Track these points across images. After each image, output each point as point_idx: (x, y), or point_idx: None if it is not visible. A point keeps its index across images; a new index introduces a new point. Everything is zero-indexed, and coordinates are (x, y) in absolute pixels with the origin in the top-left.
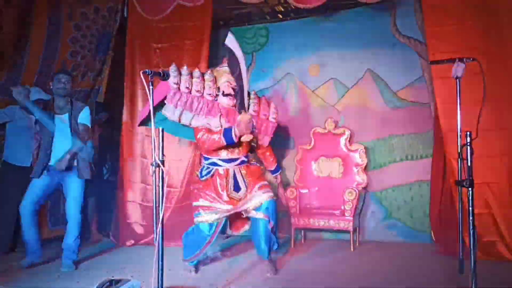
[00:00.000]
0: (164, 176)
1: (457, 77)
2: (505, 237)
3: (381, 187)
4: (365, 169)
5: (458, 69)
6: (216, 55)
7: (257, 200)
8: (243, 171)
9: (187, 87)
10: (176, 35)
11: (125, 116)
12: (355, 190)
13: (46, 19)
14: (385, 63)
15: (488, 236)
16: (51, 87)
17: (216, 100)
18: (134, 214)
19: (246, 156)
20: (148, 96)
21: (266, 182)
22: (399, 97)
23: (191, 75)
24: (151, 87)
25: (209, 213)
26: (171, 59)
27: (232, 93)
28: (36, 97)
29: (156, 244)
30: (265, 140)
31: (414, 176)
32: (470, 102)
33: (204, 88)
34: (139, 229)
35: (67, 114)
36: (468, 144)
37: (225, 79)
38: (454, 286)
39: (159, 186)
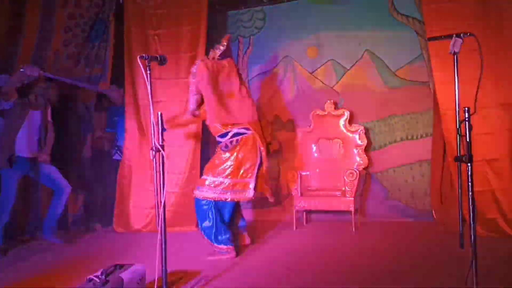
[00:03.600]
0: (165, 160)
1: (454, 53)
2: (505, 213)
3: (382, 168)
4: (366, 150)
5: (455, 44)
6: (213, 39)
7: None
8: None
9: None
10: (173, 21)
11: (126, 103)
12: (355, 171)
13: (40, 8)
14: (383, 43)
15: (490, 213)
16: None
17: None
18: (137, 200)
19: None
20: (146, 81)
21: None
22: (398, 77)
23: None
24: (148, 72)
25: None
26: (169, 45)
27: None
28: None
29: (159, 228)
30: None
31: (414, 156)
32: (468, 80)
33: None
34: (142, 216)
35: None
36: (467, 119)
37: None
38: (455, 260)
39: (159, 171)
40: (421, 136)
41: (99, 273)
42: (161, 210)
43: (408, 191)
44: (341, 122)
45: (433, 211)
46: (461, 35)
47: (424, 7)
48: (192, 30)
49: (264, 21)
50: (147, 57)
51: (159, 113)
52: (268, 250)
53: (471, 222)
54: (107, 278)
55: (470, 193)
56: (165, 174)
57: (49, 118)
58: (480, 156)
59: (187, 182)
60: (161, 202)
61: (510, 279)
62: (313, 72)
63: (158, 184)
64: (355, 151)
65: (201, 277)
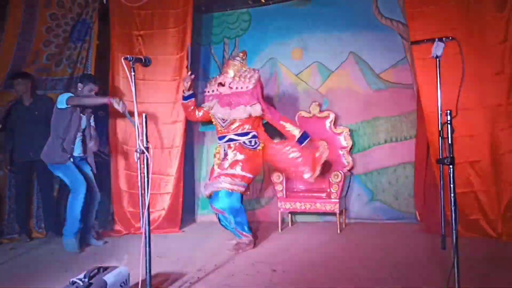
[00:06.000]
0: (149, 162)
1: (436, 57)
2: (487, 214)
3: (366, 170)
4: (350, 151)
5: (437, 48)
6: (198, 41)
7: (210, 189)
8: (234, 151)
9: None
10: (157, 22)
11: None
12: (340, 173)
13: (22, 8)
14: (368, 46)
15: (472, 214)
16: None
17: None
18: (125, 203)
19: (240, 134)
20: (131, 83)
21: (234, 171)
22: (382, 79)
23: None
24: (132, 73)
25: None
26: (153, 46)
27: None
28: None
29: (143, 230)
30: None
31: (398, 158)
32: (451, 83)
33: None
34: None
35: None
36: (449, 122)
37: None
38: (437, 261)
39: (144, 173)
40: (405, 138)
41: (82, 275)
42: (145, 212)
43: (392, 193)
44: (327, 124)
45: (417, 213)
46: (443, 39)
47: (408, 11)
48: (178, 32)
49: (250, 23)
50: (131, 58)
51: (144, 114)
52: (254, 251)
53: (453, 224)
54: (90, 281)
55: (452, 194)
56: (150, 176)
57: (92, 124)
58: (462, 158)
59: (176, 183)
60: (145, 204)
61: (491, 279)
62: (298, 74)
63: (143, 186)
64: (340, 153)
65: (186, 279)
